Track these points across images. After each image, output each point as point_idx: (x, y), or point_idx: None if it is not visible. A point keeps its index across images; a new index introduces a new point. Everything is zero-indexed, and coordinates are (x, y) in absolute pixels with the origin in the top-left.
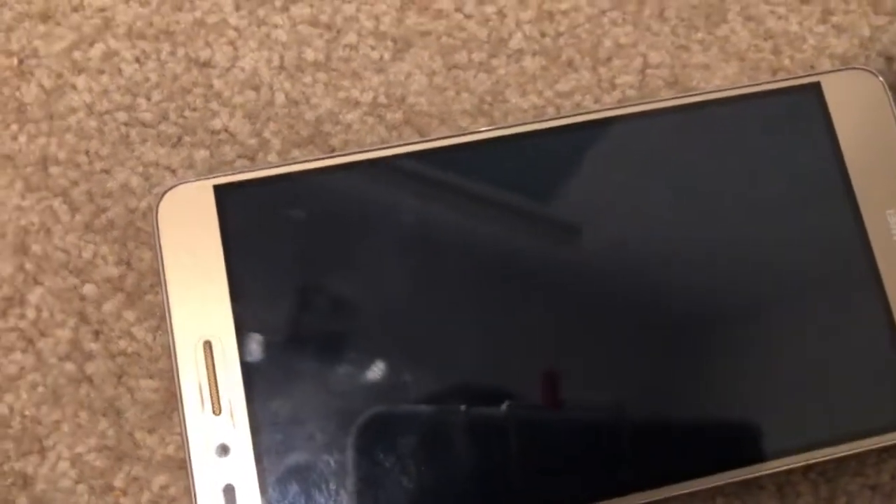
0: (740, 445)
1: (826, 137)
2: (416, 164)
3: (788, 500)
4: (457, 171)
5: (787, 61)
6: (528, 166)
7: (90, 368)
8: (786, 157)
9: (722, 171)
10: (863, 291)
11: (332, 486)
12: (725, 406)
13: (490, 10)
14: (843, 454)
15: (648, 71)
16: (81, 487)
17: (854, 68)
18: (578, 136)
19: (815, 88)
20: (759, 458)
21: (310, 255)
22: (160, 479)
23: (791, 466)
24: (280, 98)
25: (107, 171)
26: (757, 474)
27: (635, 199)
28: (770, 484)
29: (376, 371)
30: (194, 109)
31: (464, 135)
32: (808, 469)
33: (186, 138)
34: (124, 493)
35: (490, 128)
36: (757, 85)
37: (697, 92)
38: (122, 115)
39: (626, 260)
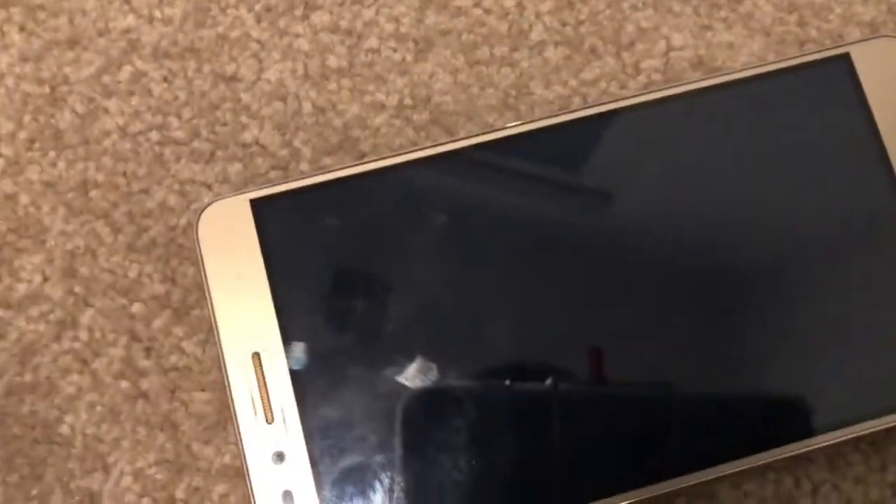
0: (790, 420)
1: (859, 108)
2: (446, 165)
3: (839, 471)
4: (487, 167)
5: (813, 32)
6: (559, 158)
7: (145, 384)
8: (819, 130)
9: (755, 148)
10: None
11: (386, 483)
12: (772, 380)
13: (509, 3)
14: (890, 425)
15: (672, 53)
16: (146, 501)
17: (884, 36)
18: (607, 124)
19: (845, 59)
20: (810, 432)
21: (348, 261)
22: (220, 489)
23: (842, 439)
24: (307, 107)
25: (145, 191)
26: (807, 449)
27: (672, 182)
28: (820, 456)
29: (419, 369)
30: (224, 124)
31: (492, 132)
32: (858, 439)
33: (219, 153)
34: (187, 503)
35: (518, 123)
36: (784, 60)
37: (724, 72)
38: (154, 135)
39: (668, 239)
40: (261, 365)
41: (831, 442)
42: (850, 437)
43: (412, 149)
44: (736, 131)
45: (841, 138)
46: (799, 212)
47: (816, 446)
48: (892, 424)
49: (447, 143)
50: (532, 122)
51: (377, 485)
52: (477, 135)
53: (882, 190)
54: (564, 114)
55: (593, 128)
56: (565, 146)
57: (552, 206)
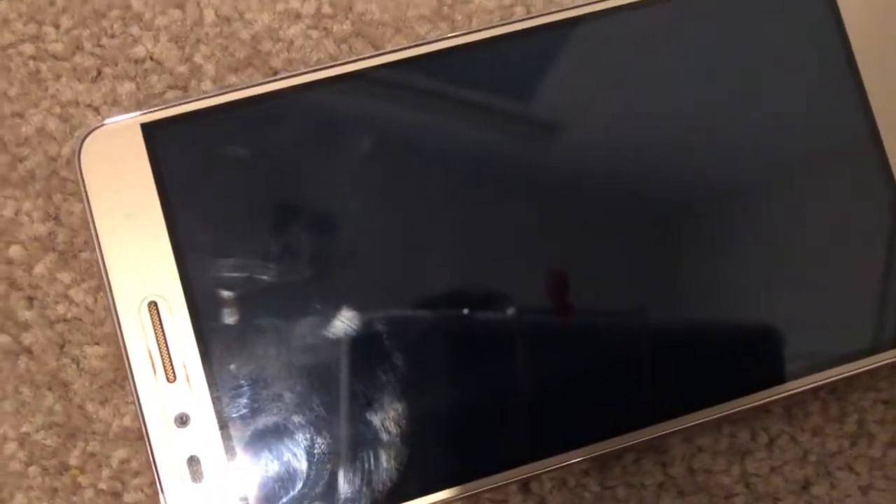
0: (747, 371)
1: (830, 18)
2: (370, 83)
3: (796, 421)
4: (418, 85)
5: None
6: (498, 74)
7: (27, 339)
8: (787, 40)
9: (717, 59)
10: (874, 191)
11: (306, 446)
12: (727, 328)
13: None
14: (854, 372)
15: None
16: (33, 469)
17: None
18: (554, 38)
19: None
20: (767, 383)
21: (258, 194)
22: (120, 454)
23: (801, 389)
24: (209, 16)
25: (19, 115)
26: (766, 400)
27: (626, 95)
28: (777, 407)
29: (349, 316)
30: (112, 36)
31: (423, 44)
32: (817, 388)
33: (107, 70)
34: (82, 471)
35: (452, 34)
36: None
37: None
38: (28, 48)
39: (620, 155)
40: (158, 315)
41: (791, 392)
42: (809, 386)
43: (331, 64)
44: (698, 41)
45: (810, 50)
46: (761, 127)
47: (776, 397)
48: (853, 372)
49: (372, 57)
50: (468, 33)
51: (296, 448)
52: (406, 48)
53: (851, 106)
54: (506, 24)
55: (538, 42)
56: (507, 62)
57: (492, 129)
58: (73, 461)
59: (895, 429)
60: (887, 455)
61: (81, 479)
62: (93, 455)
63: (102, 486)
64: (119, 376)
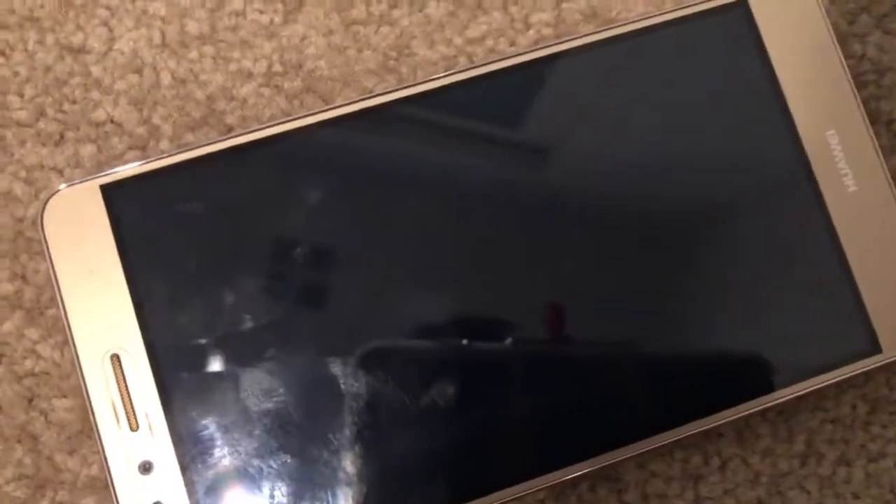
0: (698, 395)
1: (758, 58)
2: (323, 135)
3: (748, 443)
4: (367, 136)
5: None
6: (444, 122)
7: None
8: (719, 81)
9: (653, 101)
10: (807, 218)
11: (268, 490)
12: (677, 353)
13: None
14: (800, 392)
15: (564, 5)
16: None
17: None
18: (495, 83)
19: (743, 6)
20: (717, 406)
21: (216, 248)
22: (88, 502)
23: (750, 412)
24: (166, 78)
25: None
26: (716, 424)
27: (568, 140)
28: (729, 430)
29: (310, 360)
30: (74, 101)
31: (371, 97)
32: (765, 410)
33: (69, 134)
34: None
35: (398, 87)
36: (681, 9)
37: (618, 24)
38: None
39: (577, 189)
40: (121, 367)
41: (741, 415)
42: (758, 408)
43: (284, 119)
44: (632, 84)
45: (741, 88)
46: (700, 163)
47: (726, 420)
48: (799, 393)
49: (323, 111)
50: (415, 85)
51: (259, 494)
52: (355, 101)
53: (782, 142)
54: (449, 75)
55: (481, 88)
56: (453, 109)
57: (439, 168)
58: None
59: (843, 447)
60: (836, 473)
61: None
62: None
63: None
64: (86, 427)
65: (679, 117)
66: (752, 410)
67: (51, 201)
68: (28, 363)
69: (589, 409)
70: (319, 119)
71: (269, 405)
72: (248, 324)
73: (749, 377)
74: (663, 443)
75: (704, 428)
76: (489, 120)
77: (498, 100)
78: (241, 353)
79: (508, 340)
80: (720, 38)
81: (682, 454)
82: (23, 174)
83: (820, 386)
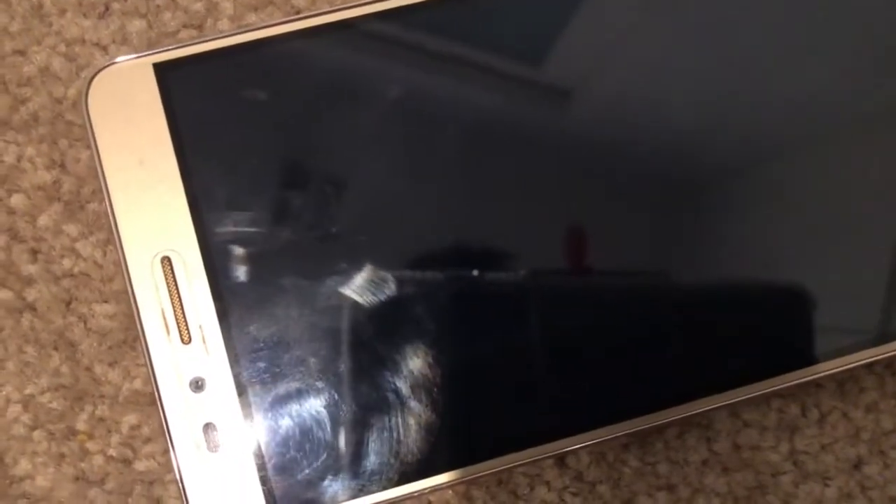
0: (798, 343)
1: None
2: (399, 24)
3: (850, 396)
4: (449, 29)
5: None
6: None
7: (31, 295)
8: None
9: (744, 21)
10: None
11: (329, 414)
12: (776, 300)
13: None
14: None
15: None
16: (39, 434)
17: None
18: None
19: None
20: (819, 357)
21: (278, 143)
22: (130, 419)
23: (855, 364)
24: None
25: (21, 53)
26: (816, 375)
27: (642, 50)
28: (829, 381)
29: (369, 275)
30: None
31: None
32: (873, 362)
33: (115, 5)
34: (90, 436)
35: None
36: None
37: None
38: None
39: (645, 117)
40: (172, 271)
41: (845, 367)
42: (864, 361)
43: (359, 3)
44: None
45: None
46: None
47: (828, 372)
48: None
49: None
50: None
51: (318, 417)
52: None
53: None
54: None
55: None
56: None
57: (512, 80)
58: (80, 426)
59: None
60: None
61: (90, 445)
62: (102, 420)
63: (112, 452)
64: (130, 336)
65: (755, 32)
66: (857, 363)
67: (97, 79)
68: (66, 262)
69: (681, 352)
70: (399, 4)
71: (335, 323)
72: (316, 231)
73: (855, 327)
74: (759, 392)
75: (805, 379)
76: (529, 32)
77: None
78: (307, 264)
79: (597, 273)
80: None
81: (779, 403)
82: (62, 48)
83: None
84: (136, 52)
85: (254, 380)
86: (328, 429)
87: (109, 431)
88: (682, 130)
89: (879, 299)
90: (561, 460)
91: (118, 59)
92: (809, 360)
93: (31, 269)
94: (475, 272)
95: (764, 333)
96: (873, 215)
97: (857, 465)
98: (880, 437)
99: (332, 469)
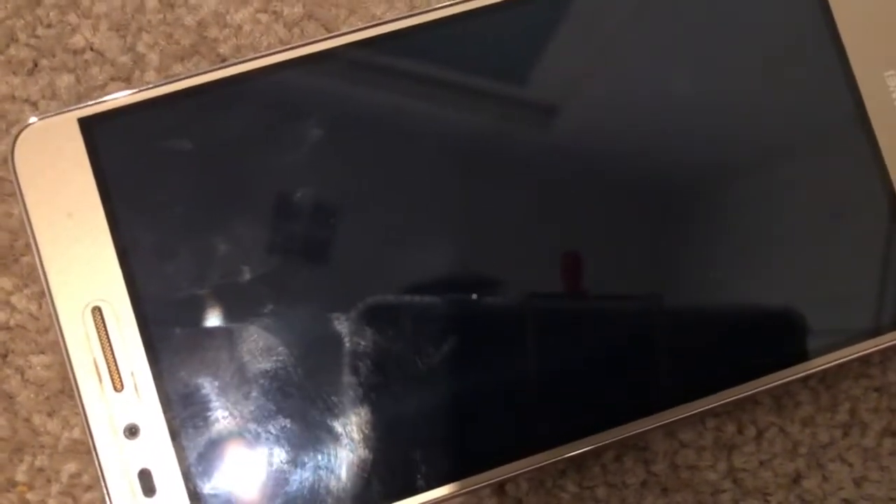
0: (732, 360)
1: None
2: (324, 66)
3: (786, 411)
4: (373, 69)
5: None
6: (460, 55)
7: None
8: (772, 19)
9: (707, 36)
10: (859, 167)
11: (266, 456)
12: (709, 318)
13: None
14: (845, 359)
15: None
16: None
17: None
18: (525, 12)
19: None
20: (754, 372)
21: (206, 190)
22: (70, 467)
23: (790, 379)
24: (152, 1)
25: None
26: (752, 391)
27: (622, 69)
28: (766, 397)
29: (309, 316)
30: (48, 25)
31: (379, 24)
32: (806, 377)
33: (44, 62)
34: (30, 486)
35: (412, 13)
36: None
37: None
38: None
39: (621, 136)
40: (103, 320)
41: (780, 382)
42: (799, 375)
43: (282, 49)
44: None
45: (795, 27)
46: (746, 108)
47: (764, 387)
48: (844, 359)
49: (324, 40)
50: (429, 11)
51: (255, 458)
52: (361, 29)
53: (836, 82)
54: (466, 1)
55: (508, 16)
56: (469, 40)
57: (458, 111)
58: (20, 477)
59: (889, 417)
60: (881, 445)
61: (30, 496)
62: (41, 470)
63: (52, 502)
64: (67, 386)
65: (728, 57)
66: (792, 377)
67: (22, 135)
68: (1, 315)
69: (613, 373)
70: (321, 49)
71: (265, 365)
72: (244, 275)
73: (789, 341)
74: (694, 411)
75: (739, 396)
76: (509, 53)
77: (517, 31)
78: (236, 308)
79: (526, 297)
80: None
81: (715, 422)
82: None
83: (865, 352)
84: (66, 107)
85: (187, 424)
86: (263, 469)
87: (49, 481)
88: (665, 145)
89: (812, 314)
90: (500, 488)
91: (42, 116)
92: (745, 377)
93: None
94: (411, 297)
95: (697, 352)
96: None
97: (797, 479)
98: (818, 450)
99: None
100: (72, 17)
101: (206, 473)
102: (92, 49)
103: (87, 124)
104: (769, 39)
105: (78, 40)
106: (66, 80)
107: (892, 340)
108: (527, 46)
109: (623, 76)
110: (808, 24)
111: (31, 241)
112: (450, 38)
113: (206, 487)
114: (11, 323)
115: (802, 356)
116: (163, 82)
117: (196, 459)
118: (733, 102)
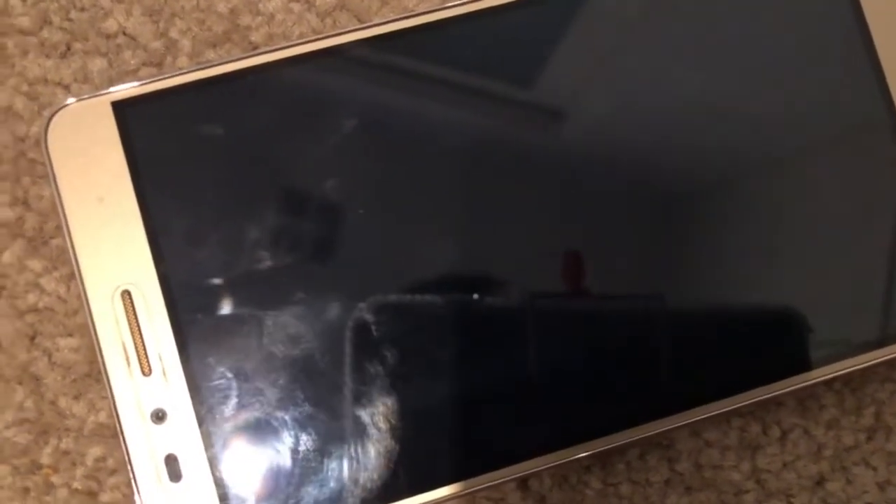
0: (758, 361)
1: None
2: (356, 57)
3: (810, 413)
4: (406, 60)
5: None
6: (497, 49)
7: None
8: (803, 17)
9: (734, 35)
10: (885, 171)
11: (292, 443)
12: (735, 319)
13: None
14: (871, 362)
15: None
16: (3, 468)
17: None
18: (558, 8)
19: None
20: (779, 374)
21: (239, 175)
22: (94, 451)
23: (815, 381)
24: None
25: None
26: (777, 393)
27: (633, 69)
28: (790, 399)
29: (337, 305)
30: (82, 9)
31: (413, 16)
32: (832, 380)
33: (77, 45)
34: (54, 469)
35: (445, 5)
36: None
37: None
38: None
39: (632, 137)
40: (132, 305)
41: (805, 384)
42: (824, 377)
43: (314, 38)
44: (712, 15)
45: (827, 27)
46: (777, 113)
47: (789, 389)
48: (870, 363)
49: (357, 30)
50: (463, 4)
51: (281, 445)
52: (393, 20)
53: (867, 87)
54: None
55: (543, 14)
56: (508, 36)
57: (488, 111)
58: (45, 459)
59: None
60: None
61: (54, 479)
62: (66, 453)
63: (77, 485)
64: (94, 370)
65: (759, 52)
66: (817, 379)
67: (56, 118)
68: (30, 297)
69: (642, 372)
70: (353, 39)
71: (293, 352)
72: (272, 262)
73: (815, 343)
74: (719, 411)
75: (764, 397)
76: (550, 49)
77: (559, 27)
78: (264, 295)
79: (559, 295)
80: None
81: (740, 423)
82: (24, 88)
83: (891, 356)
84: (97, 90)
85: (214, 410)
86: (289, 458)
87: (74, 464)
88: (672, 148)
89: (838, 316)
90: (524, 483)
91: (76, 98)
92: (770, 378)
93: None
94: (434, 297)
95: (723, 352)
96: (837, 238)
97: (820, 482)
98: (842, 453)
99: (293, 497)
100: (105, 2)
101: (233, 460)
102: (125, 33)
103: (120, 108)
104: (790, 39)
105: (111, 24)
106: (98, 63)
107: None
108: (538, 47)
109: (634, 78)
110: (837, 23)
111: (63, 223)
112: (462, 38)
113: (232, 474)
114: (40, 305)
115: (828, 359)
116: (195, 68)
117: (222, 446)
118: (743, 105)
